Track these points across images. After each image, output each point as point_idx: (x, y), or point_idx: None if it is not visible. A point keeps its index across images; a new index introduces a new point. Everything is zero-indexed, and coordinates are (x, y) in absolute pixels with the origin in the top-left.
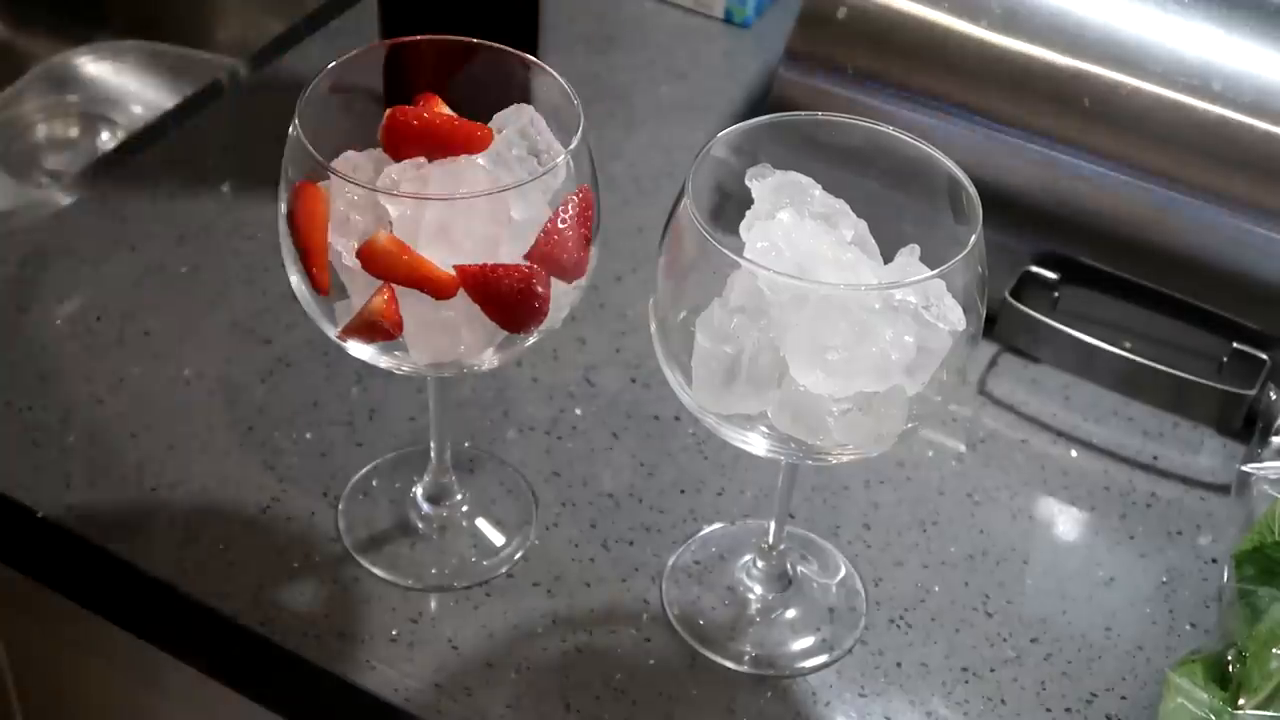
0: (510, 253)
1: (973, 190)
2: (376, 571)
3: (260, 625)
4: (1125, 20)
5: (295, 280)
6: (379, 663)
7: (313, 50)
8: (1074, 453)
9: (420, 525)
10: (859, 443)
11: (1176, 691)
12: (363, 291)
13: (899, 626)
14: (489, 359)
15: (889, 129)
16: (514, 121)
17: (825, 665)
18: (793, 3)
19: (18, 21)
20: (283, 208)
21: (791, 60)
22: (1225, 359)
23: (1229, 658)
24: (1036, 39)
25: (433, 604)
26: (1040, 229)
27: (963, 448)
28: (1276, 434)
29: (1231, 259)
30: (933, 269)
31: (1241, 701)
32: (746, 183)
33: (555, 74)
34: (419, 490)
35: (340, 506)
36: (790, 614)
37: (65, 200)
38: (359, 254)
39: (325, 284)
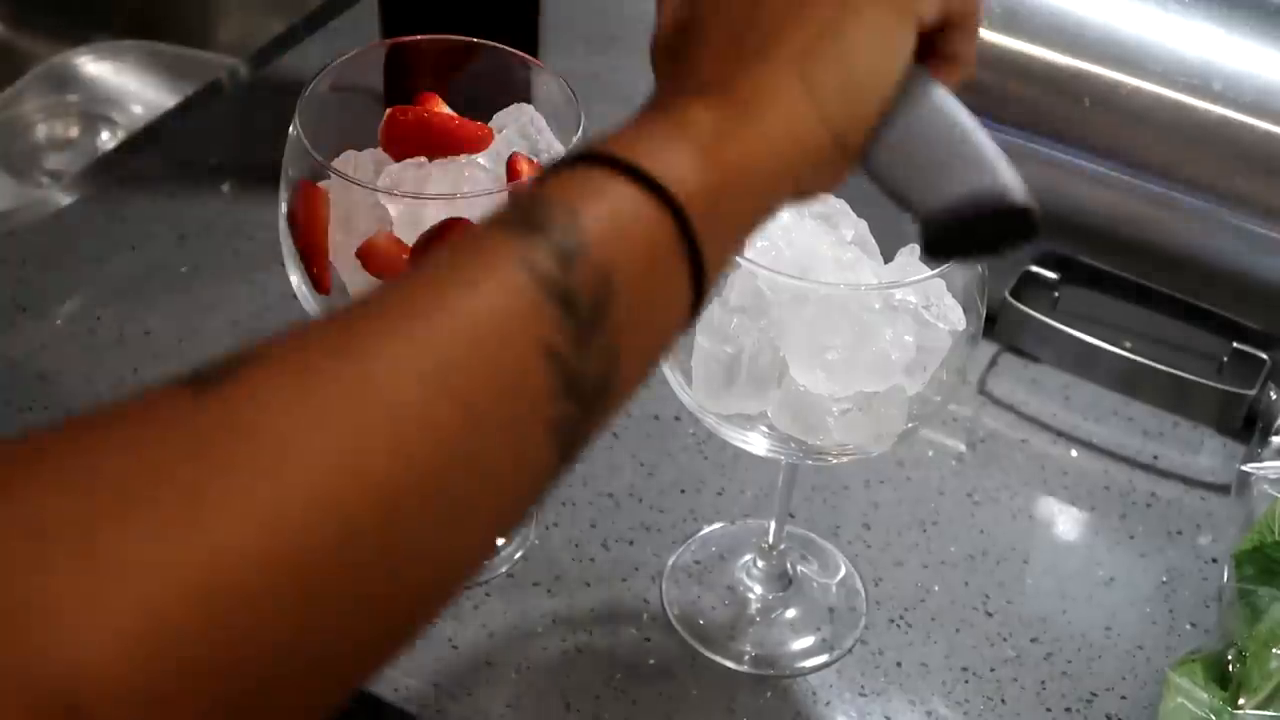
0: None
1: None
2: None
3: None
4: (1125, 20)
5: (295, 280)
6: None
7: (313, 50)
8: (1074, 453)
9: None
10: (859, 442)
11: (1176, 691)
12: None
13: (899, 626)
14: None
15: None
16: (514, 121)
17: (825, 665)
18: None
19: (18, 21)
20: (283, 207)
21: None
22: (1225, 359)
23: (1229, 658)
24: (1036, 39)
25: None
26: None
27: (963, 448)
28: (1276, 434)
29: (1231, 259)
30: (933, 269)
31: (1241, 701)
32: None
33: (555, 74)
34: None
35: None
36: (790, 614)
37: (65, 200)
38: (359, 254)
39: (325, 284)
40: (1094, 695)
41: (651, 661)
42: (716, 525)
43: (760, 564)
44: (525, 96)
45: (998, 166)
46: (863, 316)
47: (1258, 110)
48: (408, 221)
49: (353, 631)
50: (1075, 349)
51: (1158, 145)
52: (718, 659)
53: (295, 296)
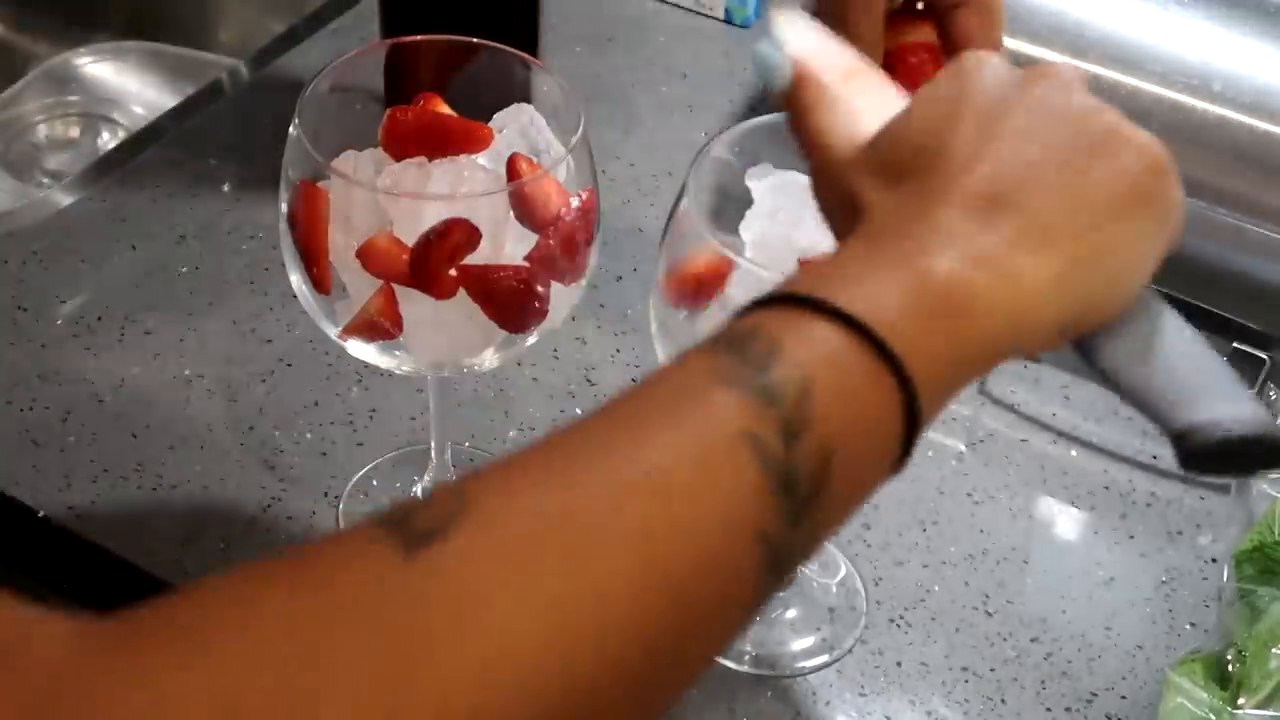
0: (510, 253)
1: None
2: None
3: None
4: (1125, 20)
5: (295, 280)
6: None
7: (313, 50)
8: (1074, 452)
9: None
10: None
11: (1176, 691)
12: (363, 291)
13: (899, 626)
14: (489, 359)
15: None
16: (514, 121)
17: (825, 665)
18: (793, 3)
19: (18, 22)
20: (283, 208)
21: None
22: (1225, 359)
23: (1229, 657)
24: (1036, 39)
25: None
26: None
27: (962, 447)
28: None
29: (1231, 259)
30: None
31: (1241, 701)
32: (746, 183)
33: (555, 74)
34: (419, 490)
35: (340, 506)
36: (790, 614)
37: (65, 200)
38: (359, 254)
39: (325, 284)
40: (1094, 695)
41: None
42: None
43: None
44: (525, 96)
45: (1251, 395)
46: None
47: (1258, 110)
48: (408, 221)
49: None
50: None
51: None
52: (718, 659)
53: (295, 296)
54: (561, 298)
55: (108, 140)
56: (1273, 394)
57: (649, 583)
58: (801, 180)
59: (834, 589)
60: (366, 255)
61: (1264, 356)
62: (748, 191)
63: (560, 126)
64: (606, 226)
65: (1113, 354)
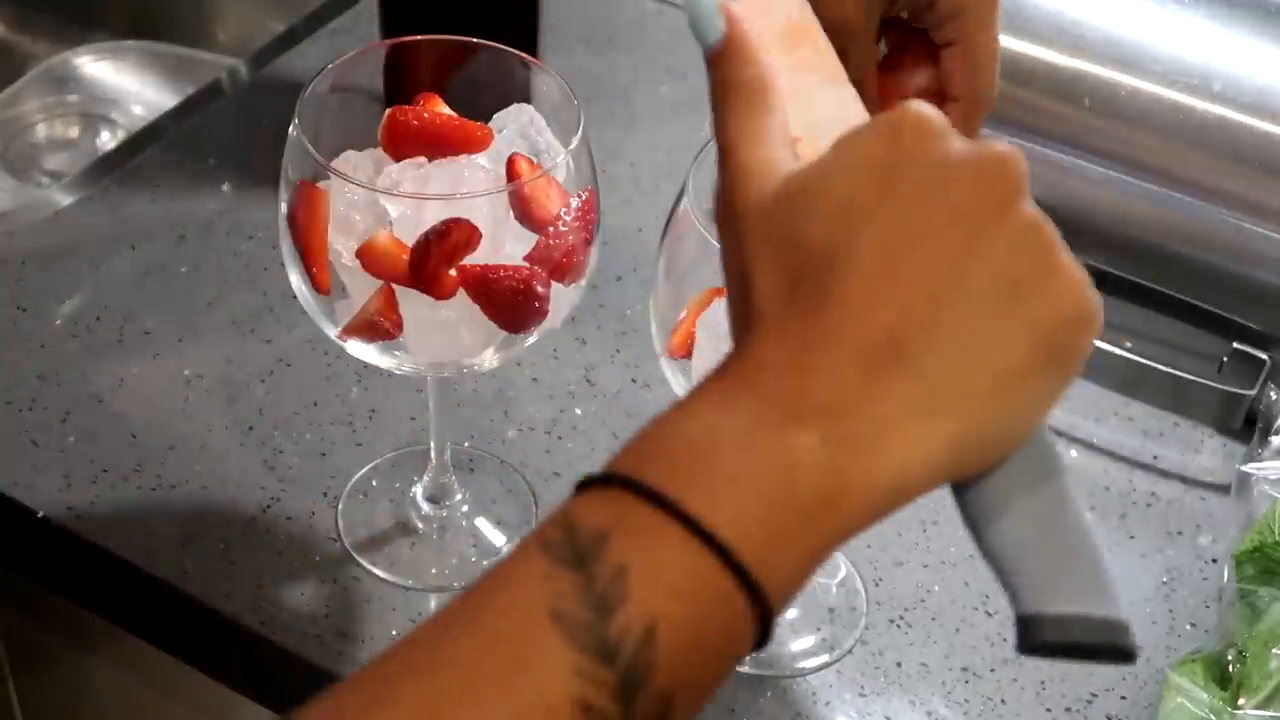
0: (510, 253)
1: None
2: (376, 571)
3: (260, 625)
4: (1125, 20)
5: (295, 280)
6: None
7: (313, 50)
8: (1074, 453)
9: (420, 525)
10: None
11: (1176, 691)
12: (363, 291)
13: (899, 626)
14: (489, 359)
15: None
16: (514, 121)
17: (825, 665)
18: None
19: (18, 21)
20: (283, 208)
21: None
22: (1225, 359)
23: (1229, 658)
24: (1036, 39)
25: (433, 604)
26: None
27: None
28: (1276, 434)
29: (1231, 259)
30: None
31: (1241, 701)
32: None
33: (555, 74)
34: (419, 490)
35: (340, 506)
36: (790, 614)
37: (65, 200)
38: (359, 254)
39: (325, 284)
40: (1094, 695)
41: None
42: None
43: None
44: (525, 96)
45: (1117, 596)
46: None
47: (1258, 110)
48: (408, 221)
49: None
50: None
51: (1158, 146)
52: None
53: (295, 296)
54: (561, 298)
55: (107, 140)
56: (1273, 394)
57: None
58: None
59: (834, 589)
60: (366, 255)
61: (1264, 357)
62: None
63: (560, 126)
64: (606, 226)
65: (976, 504)
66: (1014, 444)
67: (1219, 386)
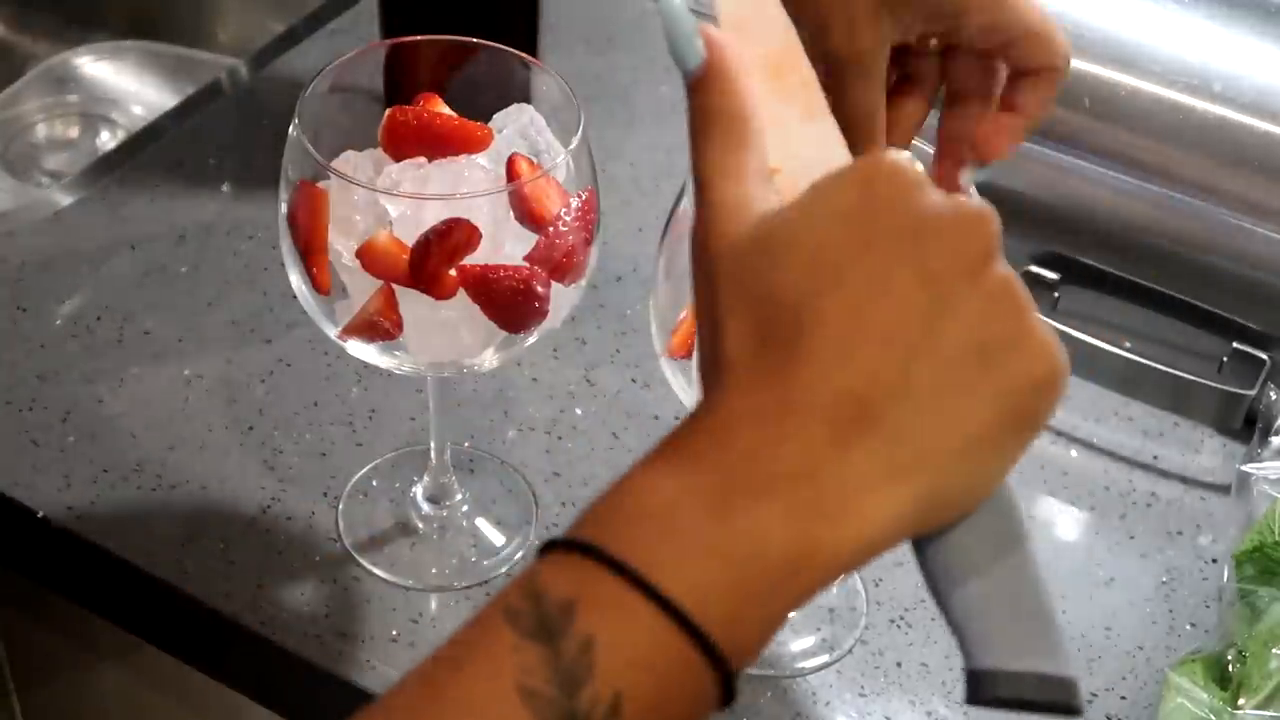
0: (510, 253)
1: (973, 190)
2: (376, 571)
3: (260, 625)
4: (1125, 20)
5: (295, 280)
6: (379, 663)
7: (313, 50)
8: (1074, 453)
9: (420, 525)
10: None
11: (1176, 691)
12: (363, 291)
13: (899, 626)
14: (489, 359)
15: None
16: (514, 121)
17: (825, 665)
18: None
19: (18, 21)
20: (283, 208)
21: None
22: (1225, 359)
23: (1229, 658)
24: None
25: (433, 604)
26: (1040, 229)
27: None
28: (1276, 434)
29: (1231, 259)
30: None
31: (1241, 701)
32: None
33: (555, 74)
34: (419, 490)
35: (340, 506)
36: (790, 614)
37: (65, 200)
38: (359, 254)
39: (325, 284)
40: (1094, 696)
41: None
42: None
43: None
44: (525, 96)
45: (1068, 658)
46: None
47: (1258, 110)
48: (408, 221)
49: None
50: (1075, 349)
51: (1158, 146)
52: None
53: (295, 296)
54: (561, 298)
55: (107, 140)
56: (1273, 394)
57: None
58: None
59: (834, 589)
60: (366, 255)
61: (1264, 357)
62: None
63: (560, 126)
64: (606, 226)
65: (936, 560)
66: (977, 501)
67: (1219, 386)
